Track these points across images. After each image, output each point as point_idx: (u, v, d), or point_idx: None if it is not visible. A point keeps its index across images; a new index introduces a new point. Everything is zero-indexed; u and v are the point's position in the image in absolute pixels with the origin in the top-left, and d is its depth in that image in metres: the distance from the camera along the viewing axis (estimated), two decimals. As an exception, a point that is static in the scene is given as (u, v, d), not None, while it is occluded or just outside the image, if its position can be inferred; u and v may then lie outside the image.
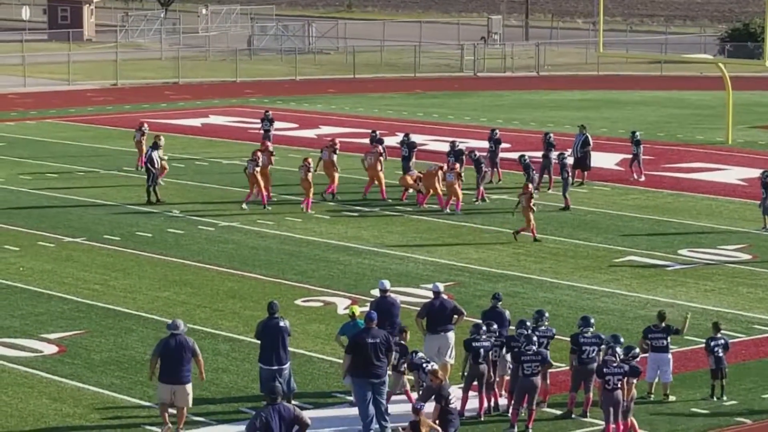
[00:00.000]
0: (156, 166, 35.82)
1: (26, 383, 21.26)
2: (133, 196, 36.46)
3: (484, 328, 19.95)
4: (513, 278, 27.85)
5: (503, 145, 39.98)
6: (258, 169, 34.70)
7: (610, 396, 18.75)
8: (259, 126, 44.08)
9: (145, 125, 41.11)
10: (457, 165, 35.13)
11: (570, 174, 35.86)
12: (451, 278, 27.46)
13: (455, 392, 18.03)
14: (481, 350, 19.69)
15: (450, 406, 17.74)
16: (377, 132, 39.83)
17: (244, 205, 34.70)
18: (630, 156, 39.94)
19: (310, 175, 34.13)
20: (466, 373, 19.83)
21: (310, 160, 34.82)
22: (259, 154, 35.53)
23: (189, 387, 19.09)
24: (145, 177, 35.91)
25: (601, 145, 43.32)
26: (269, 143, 40.52)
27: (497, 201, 36.02)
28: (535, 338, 19.55)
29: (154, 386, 20.20)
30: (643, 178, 38.99)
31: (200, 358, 19.18)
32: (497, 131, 39.26)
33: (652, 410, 19.99)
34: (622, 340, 19.63)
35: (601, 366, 18.95)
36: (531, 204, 31.11)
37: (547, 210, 34.43)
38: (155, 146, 36.54)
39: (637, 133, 40.14)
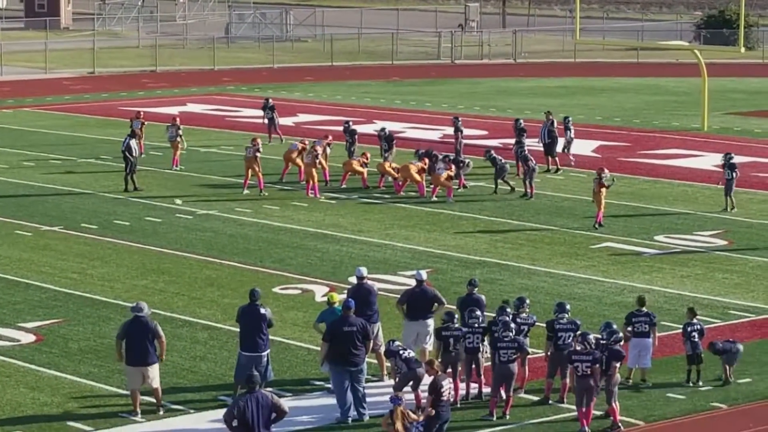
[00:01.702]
0: (134, 154, 35.76)
1: (3, 372, 21.24)
2: (111, 184, 36.41)
3: (457, 316, 20.01)
4: (490, 265, 27.95)
5: (478, 132, 40.12)
6: (258, 154, 34.83)
7: (581, 382, 18.80)
8: (262, 115, 43.91)
9: (178, 120, 39.55)
10: (452, 165, 34.91)
11: (533, 163, 35.58)
12: (429, 265, 27.54)
13: (448, 384, 18.00)
14: (451, 339, 19.75)
15: (442, 398, 17.74)
16: (350, 122, 39.80)
17: (245, 191, 34.87)
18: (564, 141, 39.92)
19: (317, 160, 34.70)
20: (439, 361, 19.89)
21: (318, 148, 35.15)
22: (258, 140, 35.64)
23: (156, 367, 19.31)
24: (126, 165, 35.79)
25: (577, 132, 43.28)
26: (278, 132, 41.28)
27: (474, 188, 36.09)
28: (512, 325, 19.63)
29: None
30: (573, 163, 39.13)
31: (163, 339, 19.35)
32: (521, 120, 39.00)
33: (627, 395, 20.10)
34: (614, 326, 19.66)
35: (570, 353, 19.01)
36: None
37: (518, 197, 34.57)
38: (133, 134, 36.51)
39: (569, 118, 40.59)
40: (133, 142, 35.88)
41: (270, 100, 44.19)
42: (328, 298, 20.70)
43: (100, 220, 32.18)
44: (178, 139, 38.80)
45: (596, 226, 31.21)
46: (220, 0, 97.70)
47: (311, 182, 34.84)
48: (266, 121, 43.39)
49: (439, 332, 19.86)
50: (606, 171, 32.07)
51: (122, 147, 36.07)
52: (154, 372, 19.31)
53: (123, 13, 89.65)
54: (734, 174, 33.24)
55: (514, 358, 19.36)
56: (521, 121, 39.06)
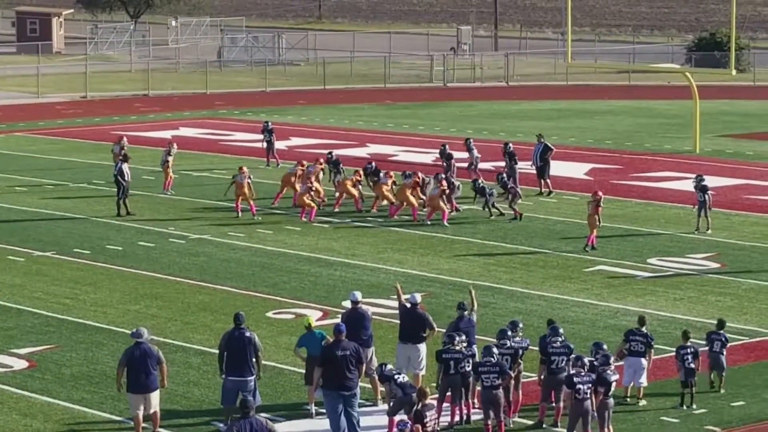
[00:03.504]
0: (126, 179, 35.76)
1: (-4, 398, 21.18)
2: (103, 209, 36.37)
3: (458, 339, 19.97)
4: (484, 288, 27.93)
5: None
6: (249, 181, 34.73)
7: (579, 405, 18.81)
8: (261, 138, 43.90)
9: (175, 146, 39.80)
10: (444, 182, 34.97)
11: (516, 187, 35.74)
12: (423, 289, 27.52)
13: (431, 414, 17.82)
14: (452, 362, 19.72)
15: (427, 428, 17.63)
16: (332, 152, 39.36)
17: (240, 213, 34.76)
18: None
19: (311, 187, 34.76)
20: (439, 384, 19.86)
21: (312, 177, 35.25)
22: (245, 168, 35.42)
23: (157, 393, 19.24)
24: (115, 190, 35.81)
25: (569, 155, 43.52)
26: (275, 156, 41.29)
27: (467, 211, 36.11)
28: (495, 350, 19.56)
29: (125, 399, 20.19)
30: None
31: (164, 366, 19.26)
32: (510, 144, 39.15)
33: (622, 419, 20.08)
34: (605, 346, 19.73)
35: (571, 376, 19.01)
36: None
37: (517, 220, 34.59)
38: (125, 158, 36.53)
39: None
40: (125, 167, 35.90)
41: (269, 123, 44.20)
42: (306, 321, 20.59)
43: (92, 245, 32.14)
44: (169, 161, 38.80)
45: (587, 248, 31.24)
46: (212, 24, 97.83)
47: (305, 208, 34.80)
48: (265, 144, 43.39)
49: (440, 355, 19.81)
50: (600, 193, 32.13)
51: (114, 171, 36.08)
52: (155, 398, 19.20)
53: (115, 37, 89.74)
54: (706, 196, 33.38)
55: (497, 383, 19.26)
56: (510, 144, 39.12)
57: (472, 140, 40.86)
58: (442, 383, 19.68)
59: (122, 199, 35.54)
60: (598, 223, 31.48)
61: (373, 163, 37.95)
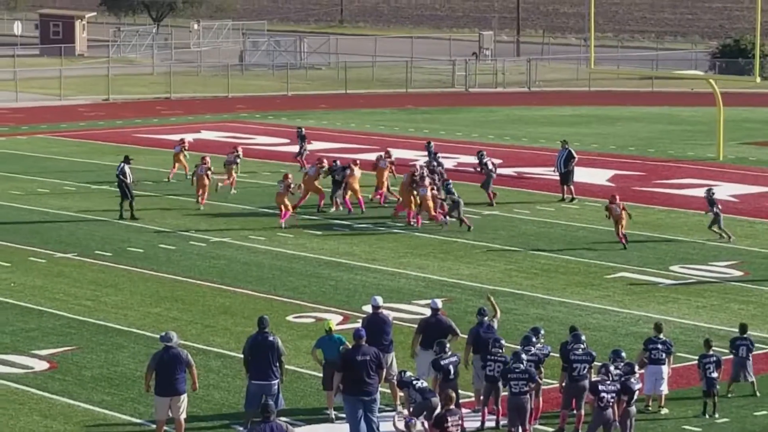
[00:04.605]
0: (129, 180, 35.51)
1: (17, 400, 21.19)
2: (125, 211, 36.35)
3: (449, 345, 19.90)
4: (504, 294, 27.83)
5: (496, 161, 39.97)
6: (282, 190, 34.50)
7: (601, 414, 18.71)
8: (296, 143, 44.05)
9: (240, 149, 40.97)
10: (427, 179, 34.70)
11: (456, 196, 34.69)
12: (443, 294, 27.44)
13: (453, 419, 17.68)
14: (450, 366, 19.65)
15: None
16: (338, 161, 39.19)
17: (282, 224, 34.33)
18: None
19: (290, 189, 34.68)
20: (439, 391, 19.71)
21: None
22: (290, 176, 35.16)
23: (184, 397, 19.13)
24: (121, 193, 35.46)
25: (591, 161, 43.37)
26: (303, 160, 41.78)
27: (488, 217, 36.02)
28: (523, 356, 19.50)
29: (146, 403, 20.19)
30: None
31: (194, 369, 19.21)
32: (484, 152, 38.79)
33: (643, 427, 19.96)
34: (623, 354, 19.64)
35: (596, 383, 18.91)
36: None
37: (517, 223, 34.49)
38: (126, 160, 36.10)
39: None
40: (128, 168, 35.65)
41: (303, 129, 44.55)
42: (326, 325, 20.55)
43: (114, 247, 32.16)
44: (234, 167, 39.32)
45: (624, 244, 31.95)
46: (234, 27, 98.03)
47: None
48: (299, 149, 43.54)
49: (437, 363, 19.72)
50: (617, 198, 32.17)
51: (117, 172, 35.66)
52: (182, 402, 19.07)
53: (138, 40, 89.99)
54: (714, 208, 33.22)
55: (525, 390, 19.19)
56: (483, 152, 38.71)
57: (485, 152, 39.87)
58: (442, 390, 19.49)
59: (129, 201, 35.32)
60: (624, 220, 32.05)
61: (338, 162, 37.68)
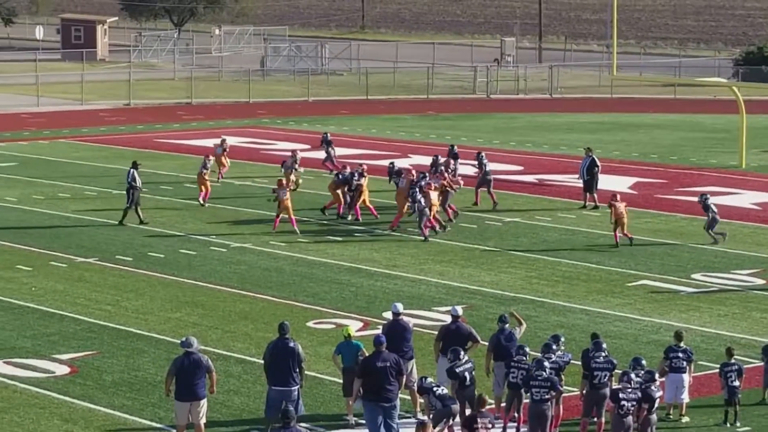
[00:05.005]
0: (137, 185, 35.48)
1: (38, 404, 21.22)
2: (146, 216, 36.40)
3: (463, 352, 19.83)
4: (526, 302, 27.76)
5: (514, 168, 39.93)
6: (287, 196, 34.51)
7: (620, 421, 18.64)
8: (320, 149, 44.22)
9: (298, 153, 40.99)
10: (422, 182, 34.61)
11: (421, 204, 34.00)
12: (464, 301, 27.38)
13: (484, 422, 17.62)
14: (466, 373, 19.59)
15: None
16: (394, 162, 39.29)
17: (297, 230, 34.30)
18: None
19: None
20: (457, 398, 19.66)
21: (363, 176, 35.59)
22: (284, 181, 35.29)
23: (204, 402, 19.14)
24: (128, 198, 35.37)
25: (614, 168, 43.21)
26: (331, 166, 42.08)
27: (510, 224, 35.94)
28: (546, 363, 19.44)
29: (166, 408, 20.18)
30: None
31: (214, 375, 19.22)
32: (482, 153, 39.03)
33: (665, 436, 19.88)
34: (644, 362, 19.57)
35: (617, 391, 18.85)
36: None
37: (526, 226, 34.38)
38: (134, 165, 36.07)
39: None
40: (136, 173, 35.61)
41: (328, 135, 44.60)
42: (345, 331, 20.54)
43: (134, 252, 32.20)
44: (295, 172, 39.26)
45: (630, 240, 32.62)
46: (255, 33, 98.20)
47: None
48: (325, 155, 43.64)
49: (452, 370, 19.66)
50: (618, 197, 33.51)
51: (128, 178, 35.62)
52: (202, 407, 19.08)
53: (159, 45, 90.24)
54: (710, 214, 33.42)
55: (547, 397, 19.12)
56: (482, 153, 39.02)
57: (483, 154, 39.85)
58: (459, 396, 19.48)
59: (135, 206, 35.32)
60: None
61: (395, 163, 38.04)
